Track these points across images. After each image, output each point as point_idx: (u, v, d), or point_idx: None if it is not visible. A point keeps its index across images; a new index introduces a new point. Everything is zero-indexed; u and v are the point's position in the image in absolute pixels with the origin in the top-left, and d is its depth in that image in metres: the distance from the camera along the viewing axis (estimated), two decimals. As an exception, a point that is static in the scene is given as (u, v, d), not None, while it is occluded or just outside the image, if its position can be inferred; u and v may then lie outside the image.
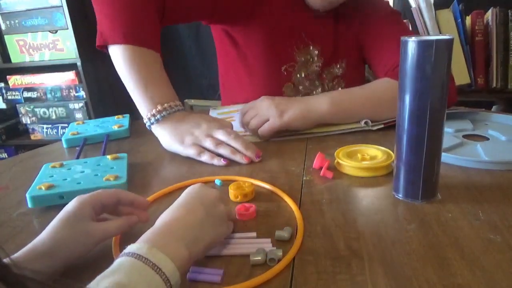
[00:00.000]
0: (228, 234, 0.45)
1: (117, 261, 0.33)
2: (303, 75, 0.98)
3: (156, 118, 0.70)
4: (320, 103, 0.77)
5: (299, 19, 0.95)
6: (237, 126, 0.81)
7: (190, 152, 0.68)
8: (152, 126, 0.72)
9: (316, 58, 0.97)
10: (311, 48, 0.97)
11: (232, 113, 0.94)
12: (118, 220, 0.45)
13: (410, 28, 1.67)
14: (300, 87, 0.99)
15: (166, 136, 0.71)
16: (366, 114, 0.79)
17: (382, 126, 0.77)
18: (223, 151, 0.67)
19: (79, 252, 0.41)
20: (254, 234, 0.46)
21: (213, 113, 0.96)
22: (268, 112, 0.75)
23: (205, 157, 0.67)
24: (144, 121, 0.72)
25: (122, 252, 0.34)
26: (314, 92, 1.00)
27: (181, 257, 0.36)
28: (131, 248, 0.34)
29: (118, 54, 0.72)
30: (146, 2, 0.74)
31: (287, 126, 0.75)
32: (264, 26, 0.93)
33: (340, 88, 0.99)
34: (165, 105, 0.70)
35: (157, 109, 0.70)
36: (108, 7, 0.72)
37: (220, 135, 0.68)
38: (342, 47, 0.98)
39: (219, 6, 0.87)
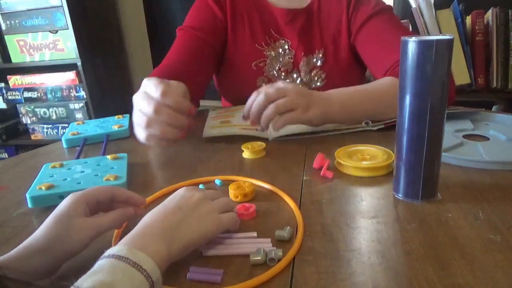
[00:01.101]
0: (219, 231, 0.44)
1: (98, 263, 0.34)
2: (276, 68, 1.00)
3: None
4: (332, 103, 0.74)
5: (268, 17, 0.99)
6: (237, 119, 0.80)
7: (140, 138, 0.67)
8: None
9: (287, 51, 1.00)
10: (281, 41, 1.00)
11: (229, 113, 0.93)
12: (112, 213, 0.44)
13: (410, 28, 1.67)
14: (277, 80, 1.01)
15: None
16: (371, 114, 0.77)
17: (383, 126, 0.77)
18: (155, 130, 0.63)
19: (75, 248, 0.41)
20: (254, 234, 0.46)
21: (211, 113, 0.97)
22: (297, 101, 0.68)
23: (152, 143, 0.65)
24: None
25: (102, 255, 0.35)
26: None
27: (160, 256, 0.37)
28: (111, 250, 0.35)
29: None
30: None
31: (306, 123, 0.72)
32: (236, 35, 1.00)
33: (319, 79, 1.00)
34: None
35: None
36: None
37: (145, 106, 0.63)
38: (317, 38, 0.99)
39: (218, 48, 0.98)
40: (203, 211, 0.43)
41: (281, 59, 1.00)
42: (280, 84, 0.70)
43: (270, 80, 1.01)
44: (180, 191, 0.46)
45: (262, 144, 0.70)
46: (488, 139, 0.70)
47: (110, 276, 0.31)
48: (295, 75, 1.01)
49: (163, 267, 0.37)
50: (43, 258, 0.38)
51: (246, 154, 0.70)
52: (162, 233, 0.39)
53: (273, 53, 0.99)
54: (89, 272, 0.32)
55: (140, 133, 0.66)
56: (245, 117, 0.72)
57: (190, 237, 0.41)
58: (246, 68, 1.00)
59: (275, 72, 1.00)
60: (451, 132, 0.73)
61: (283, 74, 1.01)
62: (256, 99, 0.69)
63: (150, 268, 0.34)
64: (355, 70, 1.02)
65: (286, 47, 0.99)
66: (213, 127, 0.80)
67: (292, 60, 1.00)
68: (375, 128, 0.77)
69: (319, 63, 1.00)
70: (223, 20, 0.98)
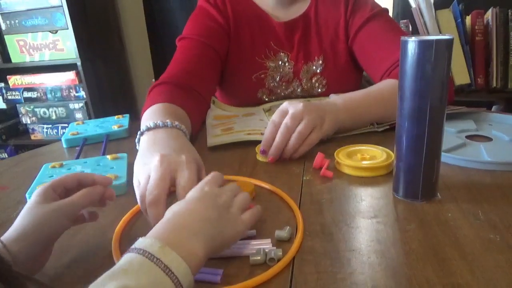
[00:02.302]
0: (246, 232, 0.43)
1: (127, 257, 0.32)
2: (277, 79, 1.00)
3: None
4: (339, 110, 0.72)
5: (267, 29, 0.99)
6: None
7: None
8: None
9: (286, 63, 1.00)
10: (281, 54, 1.00)
11: (230, 118, 0.93)
12: (81, 191, 0.43)
13: (410, 28, 1.67)
14: (278, 90, 1.02)
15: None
16: (378, 117, 0.77)
17: (388, 127, 0.76)
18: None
19: (55, 230, 0.40)
20: (253, 232, 0.46)
21: (211, 112, 0.96)
22: (314, 120, 0.66)
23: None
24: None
25: (133, 246, 0.33)
26: (294, 94, 1.02)
27: (196, 257, 0.34)
28: (142, 243, 0.33)
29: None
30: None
31: (323, 137, 0.70)
32: (238, 46, 0.99)
33: (320, 85, 1.00)
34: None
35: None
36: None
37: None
38: (315, 45, 0.99)
39: (223, 54, 0.97)
40: (234, 212, 0.42)
41: (281, 69, 1.00)
42: (290, 108, 0.67)
43: (271, 92, 1.01)
44: (206, 186, 0.43)
45: None
46: (491, 139, 0.70)
47: (135, 280, 0.29)
48: (295, 84, 1.01)
49: (197, 269, 0.35)
50: (22, 245, 0.37)
51: (260, 157, 0.68)
52: (201, 227, 0.36)
53: (273, 65, 1.00)
54: (116, 269, 0.30)
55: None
56: (266, 152, 0.66)
57: (227, 237, 0.39)
58: (246, 80, 1.00)
59: (275, 83, 1.01)
60: (453, 133, 0.72)
61: (283, 84, 1.01)
62: (278, 133, 0.65)
63: (181, 273, 0.32)
64: (353, 73, 1.02)
65: (286, 59, 1.00)
66: (216, 136, 0.79)
67: (292, 70, 1.00)
68: (380, 129, 0.76)
69: (319, 70, 1.00)
70: (225, 27, 0.98)
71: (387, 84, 0.80)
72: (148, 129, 0.58)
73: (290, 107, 0.67)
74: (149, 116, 0.66)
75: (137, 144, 0.60)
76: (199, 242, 0.35)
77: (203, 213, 0.38)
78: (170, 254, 0.32)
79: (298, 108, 0.66)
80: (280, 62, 1.00)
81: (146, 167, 0.50)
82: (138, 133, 0.60)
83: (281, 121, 0.66)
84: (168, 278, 0.31)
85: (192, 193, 0.42)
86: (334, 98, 0.76)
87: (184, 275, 0.32)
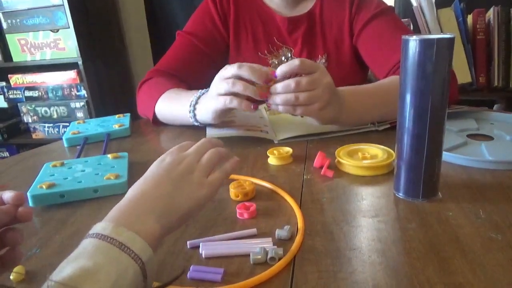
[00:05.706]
0: (214, 194, 0.42)
1: (82, 244, 0.32)
2: None
3: (191, 108, 0.77)
4: (344, 108, 0.71)
5: (271, 25, 1.00)
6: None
7: (218, 106, 0.70)
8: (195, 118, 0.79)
9: (290, 59, 0.99)
10: (284, 48, 1.00)
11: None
12: None
13: (412, 27, 1.67)
14: None
15: (203, 115, 0.76)
16: (378, 114, 0.77)
17: (388, 126, 0.76)
18: (238, 87, 0.66)
19: None
20: (254, 230, 0.46)
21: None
22: (320, 96, 0.65)
23: (234, 103, 0.67)
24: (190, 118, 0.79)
25: (87, 233, 0.33)
26: None
27: (151, 232, 0.35)
28: (95, 228, 0.33)
29: (159, 109, 0.87)
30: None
31: (314, 119, 0.71)
32: (239, 42, 1.01)
33: None
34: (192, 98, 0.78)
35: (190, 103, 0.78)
36: (141, 97, 0.94)
37: (228, 71, 0.68)
38: (319, 44, 0.99)
39: (215, 55, 1.01)
40: (196, 177, 0.41)
41: None
42: (318, 70, 0.66)
43: None
44: (167, 156, 0.43)
45: (289, 150, 0.67)
46: (492, 138, 0.69)
47: (92, 260, 0.30)
48: None
49: (156, 244, 0.35)
50: None
51: (272, 160, 0.66)
52: (153, 206, 0.37)
53: (276, 61, 1.00)
54: (72, 255, 0.31)
55: (220, 100, 0.69)
56: (269, 79, 0.67)
57: (186, 206, 0.39)
58: None
59: None
60: (454, 132, 0.72)
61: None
62: (293, 83, 0.64)
63: (138, 248, 0.32)
64: (358, 73, 1.02)
65: (289, 55, 1.00)
66: (216, 127, 0.79)
67: None
68: (381, 128, 0.76)
69: None
70: (222, 31, 1.00)
71: (388, 82, 0.80)
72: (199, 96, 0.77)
73: (322, 72, 0.66)
74: (177, 95, 0.84)
75: (192, 111, 0.77)
76: (153, 219, 0.36)
77: (155, 192, 0.38)
78: (124, 232, 0.32)
79: (321, 78, 0.65)
80: (283, 58, 1.00)
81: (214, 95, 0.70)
82: (193, 104, 0.77)
83: (303, 67, 0.65)
84: (125, 254, 0.31)
85: (150, 169, 0.42)
86: (344, 92, 0.72)
87: (141, 249, 0.32)
